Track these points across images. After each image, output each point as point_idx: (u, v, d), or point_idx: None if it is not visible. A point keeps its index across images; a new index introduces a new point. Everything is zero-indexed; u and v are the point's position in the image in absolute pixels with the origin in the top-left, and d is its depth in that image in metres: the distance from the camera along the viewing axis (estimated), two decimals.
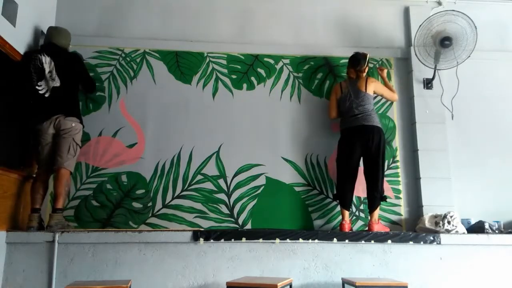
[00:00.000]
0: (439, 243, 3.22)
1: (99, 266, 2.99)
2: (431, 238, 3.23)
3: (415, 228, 3.70)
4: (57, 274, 2.93)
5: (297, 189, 3.84)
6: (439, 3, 4.26)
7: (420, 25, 3.82)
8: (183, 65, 4.01)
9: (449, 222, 3.43)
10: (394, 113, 4.07)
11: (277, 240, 3.15)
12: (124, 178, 3.71)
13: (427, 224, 3.54)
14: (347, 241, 3.18)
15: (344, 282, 2.95)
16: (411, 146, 4.00)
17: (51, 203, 3.46)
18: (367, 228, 3.63)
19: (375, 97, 3.89)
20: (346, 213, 3.60)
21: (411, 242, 3.22)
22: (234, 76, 4.03)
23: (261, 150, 3.88)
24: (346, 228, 3.52)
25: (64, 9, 3.97)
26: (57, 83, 3.36)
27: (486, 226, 3.50)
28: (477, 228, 3.57)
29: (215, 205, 3.74)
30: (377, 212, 3.58)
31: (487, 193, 3.93)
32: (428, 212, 3.69)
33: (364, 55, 3.76)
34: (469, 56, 3.76)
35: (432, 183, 3.84)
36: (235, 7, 4.19)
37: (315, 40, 4.18)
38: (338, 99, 3.82)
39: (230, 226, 3.71)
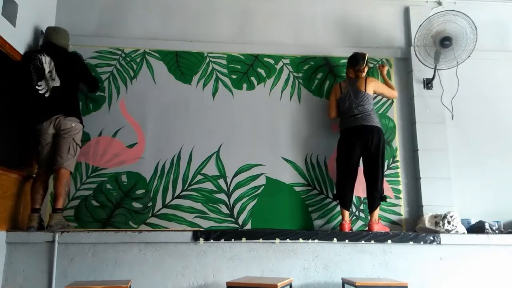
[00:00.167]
0: (439, 243, 3.22)
1: (99, 266, 2.99)
2: (431, 238, 3.23)
3: (415, 228, 3.70)
4: (57, 274, 2.93)
5: (297, 189, 3.84)
6: (439, 3, 4.26)
7: (420, 25, 3.82)
8: (183, 65, 4.01)
9: (449, 222, 3.43)
10: (394, 113, 4.07)
11: (277, 240, 3.15)
12: (124, 178, 3.71)
13: (427, 224, 3.54)
14: (347, 241, 3.19)
15: (344, 282, 2.95)
16: (411, 146, 4.00)
17: (51, 203, 3.46)
18: (367, 228, 3.63)
19: (375, 97, 3.89)
20: (346, 213, 3.60)
21: (411, 242, 3.22)
22: (234, 76, 4.03)
23: (261, 150, 3.88)
24: (346, 228, 3.52)
25: (64, 9, 3.97)
26: (57, 83, 3.36)
27: (486, 226, 3.49)
28: (477, 228, 3.57)
29: (215, 205, 3.74)
30: (377, 212, 3.58)
31: (487, 193, 3.93)
32: (428, 212, 3.69)
33: (363, 55, 3.76)
34: (469, 56, 3.76)
35: (432, 183, 3.84)
36: (235, 7, 4.19)
37: (315, 40, 4.18)
38: (337, 99, 3.82)
39: (230, 226, 3.71)
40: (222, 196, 3.77)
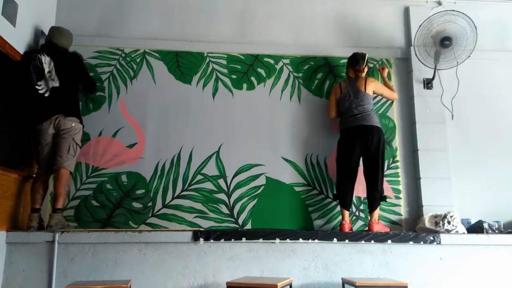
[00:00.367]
0: (439, 243, 3.22)
1: (99, 266, 2.99)
2: (431, 238, 3.23)
3: (415, 228, 3.70)
4: (57, 274, 2.93)
5: (297, 189, 3.84)
6: (439, 3, 4.26)
7: (420, 25, 3.82)
8: (183, 65, 4.01)
9: (449, 222, 3.43)
10: (394, 113, 4.07)
11: (277, 240, 3.15)
12: (124, 178, 3.71)
13: (427, 224, 3.54)
14: (347, 241, 3.19)
15: (344, 282, 2.95)
16: (411, 146, 4.00)
17: (51, 203, 3.46)
18: (367, 228, 3.63)
19: (375, 97, 3.89)
20: (346, 213, 3.60)
21: (411, 242, 3.22)
22: (234, 76, 4.03)
23: (261, 150, 3.88)
24: (346, 228, 3.52)
25: (64, 9, 3.97)
26: (56, 83, 3.35)
27: (486, 226, 3.49)
28: (477, 228, 3.56)
29: (215, 205, 3.74)
30: (377, 212, 3.58)
31: (487, 193, 3.93)
32: (428, 212, 3.69)
33: (363, 55, 3.76)
34: (469, 56, 3.76)
35: (432, 183, 3.84)
36: (235, 7, 4.19)
37: (315, 40, 4.18)
38: (337, 99, 3.82)
39: (230, 226, 3.71)
40: (222, 196, 3.77)
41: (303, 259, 3.15)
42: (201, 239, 3.09)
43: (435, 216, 3.56)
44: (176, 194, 3.74)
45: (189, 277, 3.05)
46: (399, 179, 3.93)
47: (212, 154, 3.84)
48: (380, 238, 3.21)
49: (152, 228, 3.61)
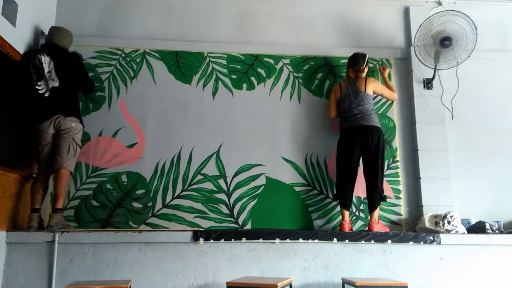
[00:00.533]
0: (439, 243, 3.22)
1: (99, 266, 2.99)
2: (431, 238, 3.23)
3: (415, 228, 3.69)
4: (57, 274, 2.93)
5: (297, 189, 3.84)
6: (439, 3, 4.26)
7: (420, 25, 3.82)
8: (183, 65, 4.01)
9: (449, 222, 3.43)
10: (394, 113, 4.07)
11: (277, 240, 3.15)
12: (124, 178, 3.71)
13: (427, 224, 3.54)
14: (347, 241, 3.18)
15: (344, 282, 2.95)
16: (411, 146, 4.00)
17: (51, 203, 3.46)
18: (367, 228, 3.63)
19: (375, 97, 3.89)
20: (346, 213, 3.60)
21: (411, 242, 3.22)
22: (234, 76, 4.03)
23: (261, 150, 3.88)
24: (346, 228, 3.52)
25: (64, 9, 3.97)
26: (56, 83, 3.35)
27: (487, 226, 3.49)
28: (477, 228, 3.56)
29: (215, 205, 3.74)
30: (377, 212, 3.58)
31: (487, 193, 3.93)
32: (428, 212, 3.69)
33: (364, 55, 3.76)
34: (469, 56, 3.76)
35: (432, 183, 3.84)
36: (235, 7, 4.19)
37: (315, 40, 4.18)
38: (337, 99, 3.82)
39: (230, 226, 3.71)
40: (222, 196, 3.77)
41: (303, 259, 3.15)
42: (201, 239, 3.09)
43: (435, 216, 3.56)
44: (176, 194, 3.74)
45: (189, 277, 3.05)
46: (399, 179, 3.93)
47: (212, 154, 3.84)
48: (380, 238, 3.21)
49: (152, 228, 3.61)
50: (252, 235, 3.17)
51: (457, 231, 3.41)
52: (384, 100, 4.05)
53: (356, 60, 3.77)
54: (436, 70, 3.93)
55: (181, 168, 3.79)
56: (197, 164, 3.81)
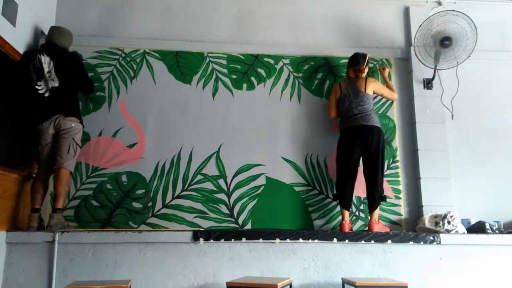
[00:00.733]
0: (439, 243, 3.22)
1: (99, 266, 2.99)
2: (431, 238, 3.23)
3: (415, 228, 3.69)
4: (57, 274, 2.93)
5: (297, 189, 3.84)
6: (439, 3, 4.26)
7: (420, 25, 3.82)
8: (183, 65, 4.01)
9: (449, 222, 3.43)
10: (394, 113, 4.07)
11: (277, 240, 3.15)
12: (124, 178, 3.71)
13: (427, 224, 3.54)
14: (347, 241, 3.18)
15: (344, 282, 2.95)
16: (411, 146, 4.00)
17: (51, 203, 3.46)
18: (367, 228, 3.63)
19: (375, 97, 3.89)
20: (346, 213, 3.60)
21: (411, 242, 3.22)
22: (234, 76, 4.03)
23: (261, 150, 3.88)
24: (346, 228, 3.52)
25: (64, 9, 3.97)
26: (56, 83, 3.35)
27: (487, 226, 3.49)
28: (477, 228, 3.56)
29: (215, 205, 3.74)
30: (377, 212, 3.58)
31: (487, 193, 3.93)
32: (428, 212, 3.69)
33: (364, 55, 3.76)
34: (469, 56, 3.76)
35: (432, 183, 3.84)
36: (235, 7, 4.20)
37: (315, 40, 4.18)
38: (337, 99, 3.82)
39: (230, 226, 3.71)
40: (222, 196, 3.77)
41: (303, 259, 3.15)
42: (201, 239, 3.09)
43: (435, 216, 3.56)
44: (176, 194, 3.74)
45: (189, 277, 3.05)
46: (399, 179, 3.93)
47: (212, 154, 3.84)
48: (380, 238, 3.21)
49: (152, 228, 3.61)
50: (252, 235, 3.17)
51: (457, 231, 3.41)
52: (384, 100, 4.05)
53: (356, 60, 3.77)
54: (436, 70, 3.93)
55: (181, 168, 3.79)
56: (197, 164, 3.81)
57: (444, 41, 3.76)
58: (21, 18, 3.34)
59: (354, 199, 3.75)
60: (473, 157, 4.01)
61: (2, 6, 3.10)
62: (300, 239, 3.16)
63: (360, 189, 3.76)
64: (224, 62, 4.05)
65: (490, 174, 3.98)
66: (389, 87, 3.92)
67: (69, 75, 3.45)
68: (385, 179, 3.72)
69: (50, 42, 3.48)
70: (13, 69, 3.29)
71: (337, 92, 3.84)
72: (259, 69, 4.07)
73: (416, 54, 3.87)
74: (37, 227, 3.17)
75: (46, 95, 3.33)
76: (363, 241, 3.19)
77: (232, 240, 3.12)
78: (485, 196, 3.92)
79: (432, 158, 3.89)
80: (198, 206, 3.72)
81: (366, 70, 3.81)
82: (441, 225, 3.43)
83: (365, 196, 3.70)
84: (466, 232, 3.49)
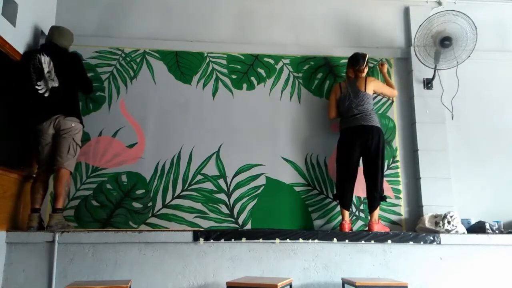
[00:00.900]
0: (439, 243, 3.22)
1: (99, 266, 2.99)
2: (431, 238, 3.23)
3: (415, 228, 3.69)
4: (57, 274, 2.93)
5: (297, 189, 3.84)
6: (439, 3, 4.26)
7: (420, 25, 3.82)
8: (183, 65, 4.01)
9: (449, 222, 3.43)
10: (394, 113, 4.07)
11: (277, 240, 3.15)
12: (124, 178, 3.71)
13: (427, 224, 3.54)
14: (347, 241, 3.18)
15: (344, 282, 2.95)
16: (411, 146, 4.00)
17: (51, 203, 3.46)
18: (367, 228, 3.63)
19: (375, 97, 3.89)
20: (346, 213, 3.60)
21: (411, 242, 3.22)
22: (234, 76, 4.03)
23: (261, 150, 3.88)
24: (346, 228, 3.52)
25: (64, 9, 3.97)
26: (56, 83, 3.35)
27: (487, 226, 3.49)
28: (477, 228, 3.56)
29: (215, 205, 3.74)
30: (377, 212, 3.58)
31: (487, 193, 3.93)
32: (428, 212, 3.69)
33: (364, 55, 3.77)
34: (469, 56, 3.76)
35: (432, 183, 3.84)
36: (235, 7, 4.19)
37: (315, 40, 4.18)
38: (337, 99, 3.82)
39: (230, 226, 3.71)
40: (222, 196, 3.77)
41: (303, 259, 3.15)
42: (201, 239, 3.09)
43: (435, 216, 3.56)
44: (176, 194, 3.74)
45: (189, 277, 3.05)
46: (399, 179, 3.93)
47: (212, 154, 3.84)
48: (380, 238, 3.21)
49: (152, 228, 3.61)
50: (252, 235, 3.17)
51: (457, 231, 3.41)
52: (384, 100, 4.05)
53: (356, 60, 3.77)
54: (436, 70, 3.93)
55: (181, 168, 3.79)
56: (197, 164, 3.81)
57: (444, 41, 3.76)
58: (21, 18, 3.34)
59: (354, 199, 3.75)
60: (473, 157, 4.01)
61: (2, 6, 3.10)
62: (300, 239, 3.16)
63: (360, 189, 3.76)
64: (224, 62, 4.05)
65: (490, 174, 3.98)
66: (388, 83, 3.92)
67: (69, 75, 3.45)
68: (385, 179, 3.72)
69: (50, 42, 3.48)
70: (13, 69, 3.29)
71: (337, 92, 3.84)
72: (259, 69, 4.07)
73: (416, 54, 3.87)
74: (37, 227, 3.17)
75: (46, 95, 3.33)
76: (363, 241, 3.19)
77: (232, 240, 3.12)
78: (485, 196, 3.92)
79: (432, 158, 3.89)
80: (198, 206, 3.72)
81: (366, 70, 3.81)
82: (441, 225, 3.43)
83: (365, 196, 3.70)
84: (466, 232, 3.49)
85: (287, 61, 4.10)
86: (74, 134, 3.35)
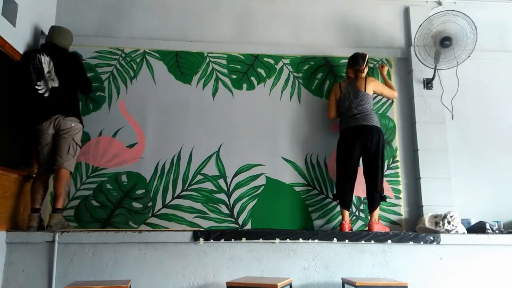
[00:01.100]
0: (439, 243, 3.22)
1: (99, 266, 2.99)
2: (431, 238, 3.23)
3: (415, 228, 3.70)
4: (57, 274, 2.93)
5: (297, 189, 3.84)
6: (439, 3, 4.26)
7: (420, 25, 3.82)
8: (183, 65, 4.01)
9: (449, 222, 3.43)
10: (394, 113, 4.07)
11: (277, 240, 3.15)
12: (124, 178, 3.71)
13: (427, 224, 3.54)
14: (347, 241, 3.19)
15: (344, 282, 2.95)
16: (411, 146, 4.00)
17: (51, 203, 3.47)
18: (367, 228, 3.63)
19: (375, 97, 3.89)
20: (346, 213, 3.60)
21: (411, 242, 3.22)
22: (234, 76, 4.03)
23: (261, 150, 3.88)
24: (346, 228, 3.52)
25: (64, 9, 3.97)
26: (56, 83, 3.35)
27: (487, 226, 3.49)
28: (477, 228, 3.56)
29: (215, 205, 3.74)
30: (377, 212, 3.58)
31: (487, 193, 3.93)
32: (428, 212, 3.69)
33: (364, 55, 3.77)
34: (469, 56, 3.76)
35: (432, 183, 3.84)
36: (235, 7, 4.19)
37: (315, 40, 4.18)
38: (337, 99, 3.82)
39: (230, 226, 3.71)
40: (222, 196, 3.77)
41: (303, 259, 3.15)
42: (201, 239, 3.09)
43: (435, 216, 3.56)
44: (176, 194, 3.74)
45: (189, 277, 3.05)
46: (399, 179, 3.93)
47: (212, 154, 3.84)
48: (380, 238, 3.21)
49: (152, 228, 3.61)
50: (252, 235, 3.17)
51: (457, 231, 3.41)
52: (384, 100, 4.05)
53: (356, 60, 3.77)
54: (436, 70, 3.93)
55: (181, 168, 3.79)
56: (197, 164, 3.81)
57: (444, 41, 3.76)
58: (21, 18, 3.34)
59: (354, 199, 3.75)
60: (473, 157, 4.01)
61: (2, 6, 3.10)
62: (300, 239, 3.16)
63: (360, 189, 3.75)
64: (224, 62, 4.05)
65: (490, 174, 3.98)
66: (388, 85, 3.92)
67: (69, 75, 3.45)
68: (385, 179, 3.72)
69: (50, 42, 3.48)
70: (13, 69, 3.29)
71: (337, 92, 3.84)
72: (259, 69, 4.07)
73: (416, 54, 3.87)
74: (37, 227, 3.16)
75: (46, 95, 3.33)
76: (363, 241, 3.19)
77: (232, 240, 3.12)
78: (485, 196, 3.92)
79: (432, 158, 3.89)
80: (198, 206, 3.72)
81: (366, 70, 3.81)
82: (441, 225, 3.43)
83: (365, 196, 3.70)
84: (466, 232, 3.49)
85: (287, 61, 4.10)
86: (74, 134, 3.35)
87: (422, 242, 3.22)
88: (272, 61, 4.09)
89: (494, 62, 4.21)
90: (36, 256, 2.95)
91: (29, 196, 3.28)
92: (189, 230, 3.20)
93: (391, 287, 2.78)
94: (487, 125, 4.09)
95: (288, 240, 3.16)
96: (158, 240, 3.07)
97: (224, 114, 3.93)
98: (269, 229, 3.53)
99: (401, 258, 3.20)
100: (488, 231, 3.46)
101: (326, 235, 3.20)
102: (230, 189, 3.79)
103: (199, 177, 3.79)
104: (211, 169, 3.81)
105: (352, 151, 3.61)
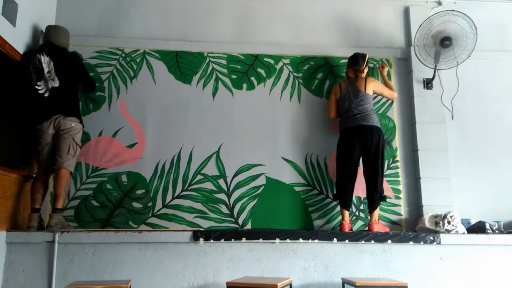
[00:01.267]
0: (439, 243, 3.22)
1: (99, 266, 2.99)
2: (431, 238, 3.23)
3: (415, 228, 3.70)
4: (57, 274, 2.93)
5: (297, 189, 3.84)
6: (439, 3, 4.26)
7: (420, 25, 3.82)
8: (183, 65, 4.01)
9: (449, 222, 3.43)
10: (394, 113, 4.07)
11: (277, 240, 3.15)
12: (124, 178, 3.71)
13: (427, 224, 3.54)
14: (347, 241, 3.19)
15: (344, 282, 2.95)
16: (411, 146, 4.00)
17: (51, 203, 3.46)
18: (367, 228, 3.63)
19: (375, 97, 3.89)
20: (346, 213, 3.60)
21: (411, 242, 3.22)
22: (234, 76, 4.03)
23: (261, 150, 3.88)
24: (346, 228, 3.52)
25: (64, 9, 3.97)
26: (56, 83, 3.35)
27: (487, 226, 3.49)
28: (477, 228, 3.56)
29: (215, 205, 3.74)
30: (377, 212, 3.58)
31: (487, 193, 3.93)
32: (428, 212, 3.69)
33: (364, 55, 3.77)
34: (469, 56, 3.76)
35: (432, 183, 3.84)
36: (235, 7, 4.19)
37: (315, 40, 4.18)
38: (337, 99, 3.82)
39: (230, 226, 3.71)
40: (222, 196, 3.77)
41: (303, 259, 3.15)
42: (201, 239, 3.09)
43: (435, 216, 3.56)
44: (176, 194, 3.74)
45: (189, 277, 3.05)
46: (399, 179, 3.93)
47: (212, 154, 3.84)
48: (380, 238, 3.21)
49: (152, 228, 3.61)
50: (252, 235, 3.17)
51: (457, 231, 3.41)
52: (384, 100, 4.05)
53: (356, 60, 3.77)
54: (436, 70, 3.93)
55: (181, 168, 3.79)
56: (197, 164, 3.81)
57: (444, 41, 3.76)
58: (21, 18, 3.34)
59: (354, 199, 3.75)
60: (473, 157, 4.01)
61: (2, 6, 3.10)
62: (300, 239, 3.16)
63: (360, 189, 3.75)
64: (224, 62, 4.05)
65: (490, 174, 3.98)
66: (388, 86, 3.92)
67: (69, 75, 3.45)
68: (385, 179, 3.72)
69: (49, 42, 3.48)
70: (13, 69, 3.29)
71: (337, 92, 3.84)
72: (259, 69, 4.07)
73: (416, 54, 3.87)
74: (37, 227, 3.17)
75: (46, 95, 3.33)
76: (363, 241, 3.19)
77: (232, 240, 3.12)
78: (485, 196, 3.92)
79: (432, 158, 3.89)
80: (198, 206, 3.72)
81: (366, 70, 3.81)
82: (441, 225, 3.43)
83: (365, 196, 3.70)
84: (466, 232, 3.49)
85: (287, 61, 4.10)
86: (74, 134, 3.35)
87: (422, 242, 3.22)
88: (272, 61, 4.09)
89: (494, 62, 4.21)
90: (36, 256, 2.95)
91: (29, 196, 3.28)
92: (189, 230, 3.20)
93: (391, 287, 2.79)
94: (487, 125, 4.10)
95: (288, 240, 3.16)
96: (158, 240, 3.07)
97: (224, 114, 3.93)
98: (269, 229, 3.53)
99: (401, 258, 3.20)
100: (488, 231, 3.46)
101: (326, 235, 3.20)
102: (230, 189, 3.79)
103: (199, 177, 3.79)
104: (211, 169, 3.81)
105: (352, 151, 3.61)
